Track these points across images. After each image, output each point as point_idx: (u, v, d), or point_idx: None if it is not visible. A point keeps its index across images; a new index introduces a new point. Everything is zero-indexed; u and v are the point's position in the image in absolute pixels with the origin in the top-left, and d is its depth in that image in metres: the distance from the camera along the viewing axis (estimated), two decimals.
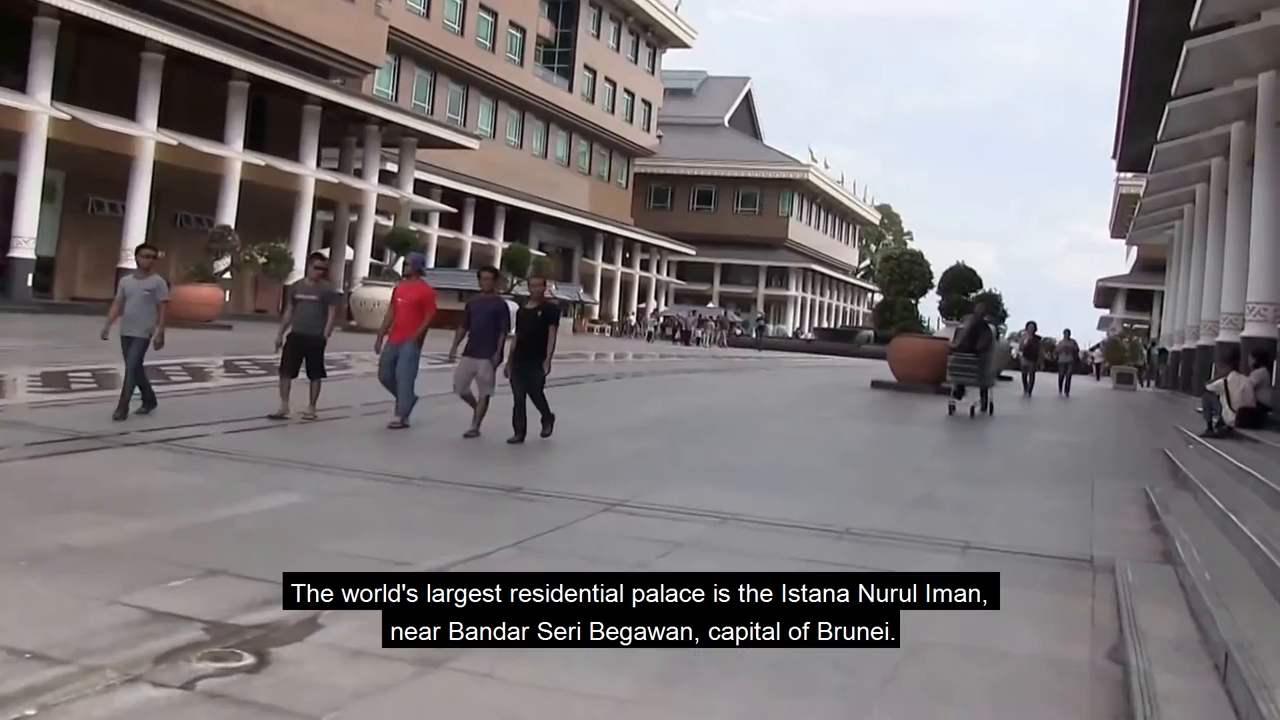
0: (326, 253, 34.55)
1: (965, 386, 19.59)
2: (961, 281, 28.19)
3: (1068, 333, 32.03)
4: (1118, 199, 73.59)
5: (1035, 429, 18.75)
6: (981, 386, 19.45)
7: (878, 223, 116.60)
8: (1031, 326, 29.20)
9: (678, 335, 62.62)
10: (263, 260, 31.31)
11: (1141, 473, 13.57)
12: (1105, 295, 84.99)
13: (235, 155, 34.92)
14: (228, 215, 34.94)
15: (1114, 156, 36.55)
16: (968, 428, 18.07)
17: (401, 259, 42.65)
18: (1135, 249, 74.87)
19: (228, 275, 33.67)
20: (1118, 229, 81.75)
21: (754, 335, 65.65)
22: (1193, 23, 15.68)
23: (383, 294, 36.23)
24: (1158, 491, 11.59)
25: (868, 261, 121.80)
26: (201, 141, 33.15)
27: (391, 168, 45.09)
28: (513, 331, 12.77)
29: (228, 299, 35.51)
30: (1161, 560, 8.64)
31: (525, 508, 9.07)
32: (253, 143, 36.87)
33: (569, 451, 12.18)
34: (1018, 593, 7.35)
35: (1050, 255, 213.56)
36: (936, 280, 27.51)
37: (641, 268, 78.07)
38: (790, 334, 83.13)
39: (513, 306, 13.31)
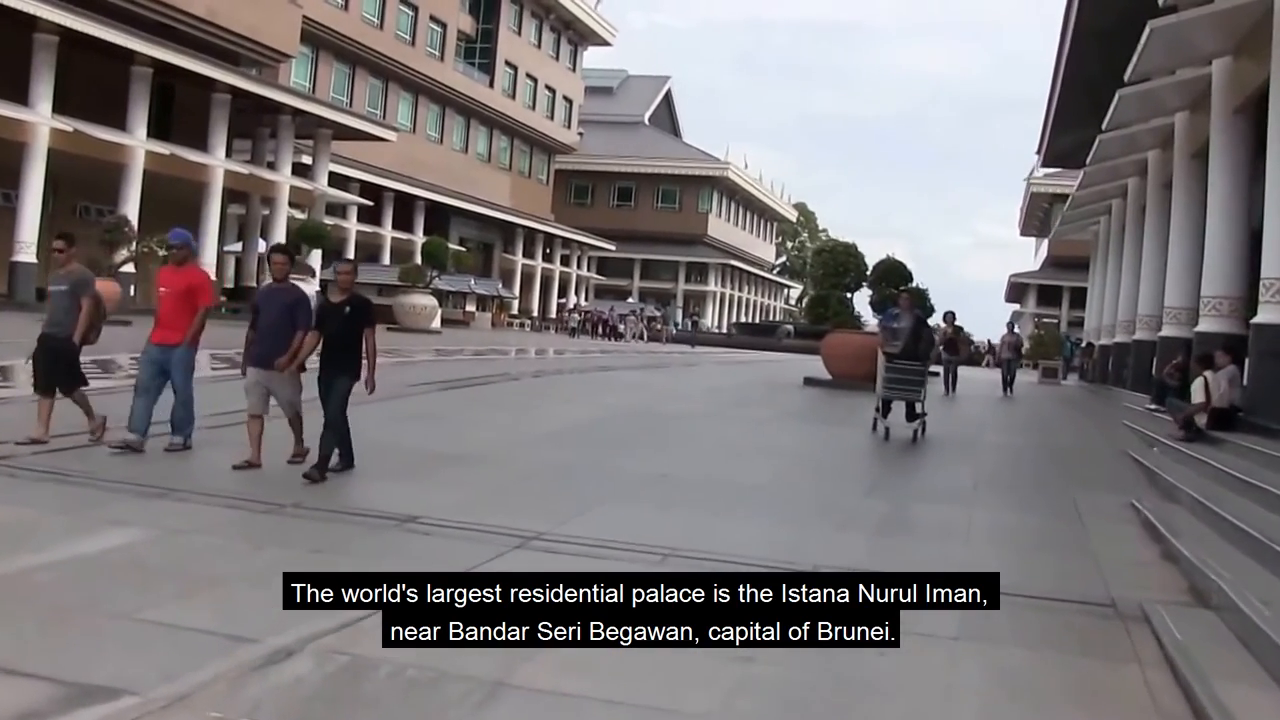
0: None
1: (909, 403, 14.30)
2: (892, 275, 26.47)
3: (1012, 326, 29.73)
4: (1028, 198, 73.24)
5: (985, 431, 16.94)
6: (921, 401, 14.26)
7: (794, 220, 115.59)
8: (950, 317, 26.94)
9: (601, 331, 59.99)
10: (162, 253, 28.66)
11: (1116, 481, 11.93)
12: (1016, 290, 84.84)
13: (137, 144, 32.27)
14: (130, 206, 32.36)
15: (1038, 152, 35.24)
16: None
17: (314, 252, 40.49)
18: (1045, 246, 74.57)
19: (130, 268, 31.17)
20: (1027, 227, 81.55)
21: (675, 329, 63.84)
22: None
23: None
24: (1149, 506, 9.91)
25: (784, 258, 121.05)
26: (100, 128, 30.45)
27: (308, 160, 42.63)
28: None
29: (132, 293, 32.95)
30: (1194, 601, 6.94)
31: (419, 546, 7.08)
32: (159, 131, 34.30)
33: (478, 467, 10.04)
34: (1049, 659, 5.59)
35: (958, 253, 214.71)
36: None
37: (562, 263, 76.04)
38: (724, 329, 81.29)
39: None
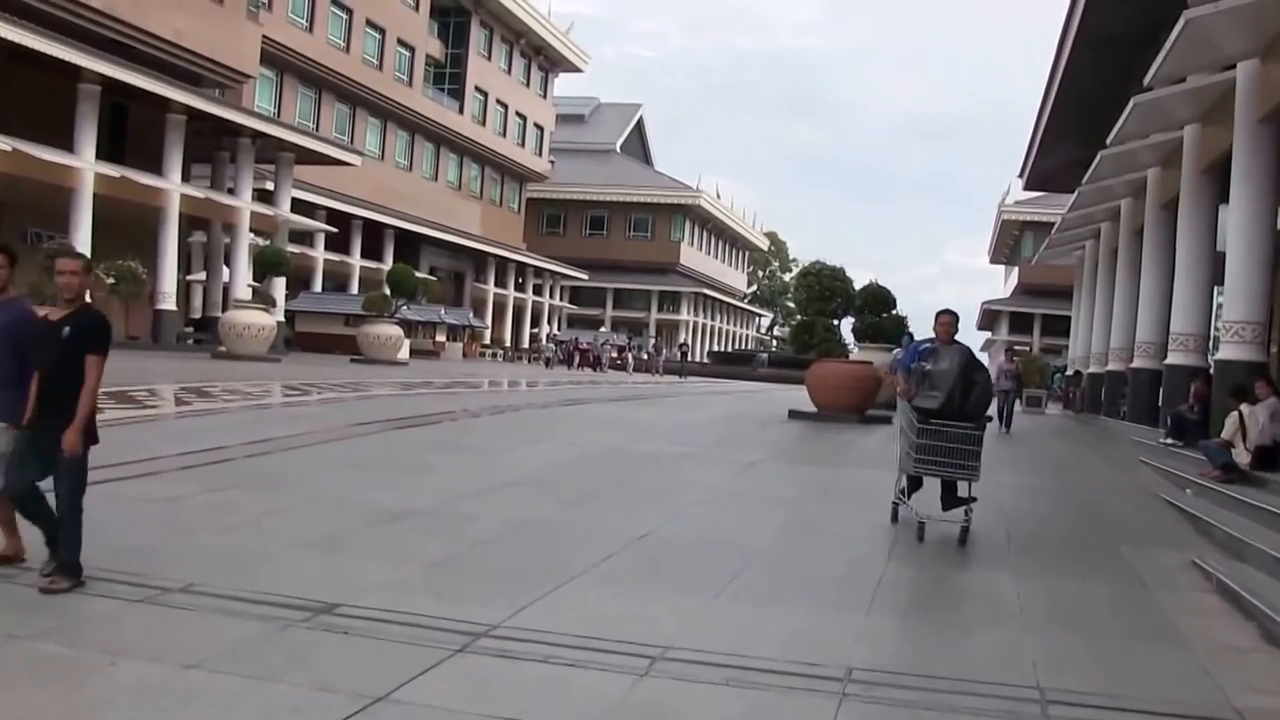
0: None
1: (948, 483, 9.32)
2: (876, 301, 24.92)
3: (1010, 352, 27.02)
4: (999, 226, 72.25)
5: (993, 471, 15.13)
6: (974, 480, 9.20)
7: (765, 249, 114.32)
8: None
9: (580, 361, 57.32)
10: (110, 280, 26.71)
11: (1162, 532, 10.32)
12: (988, 317, 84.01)
13: (86, 165, 30.31)
14: (81, 231, 30.44)
15: (1021, 175, 33.90)
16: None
17: (277, 280, 38.56)
18: (1017, 273, 73.65)
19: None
20: (997, 254, 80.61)
21: (645, 359, 62.06)
22: None
23: (256, 318, 32.08)
24: (1218, 568, 8.27)
25: (755, 286, 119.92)
26: (43, 149, 28.46)
27: (272, 187, 40.78)
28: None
29: None
30: None
31: (331, 650, 5.29)
32: (111, 154, 32.40)
33: (423, 529, 8.19)
34: None
35: (924, 282, 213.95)
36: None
37: (534, 292, 74.37)
38: (701, 359, 79.54)
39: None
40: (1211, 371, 16.62)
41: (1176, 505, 11.87)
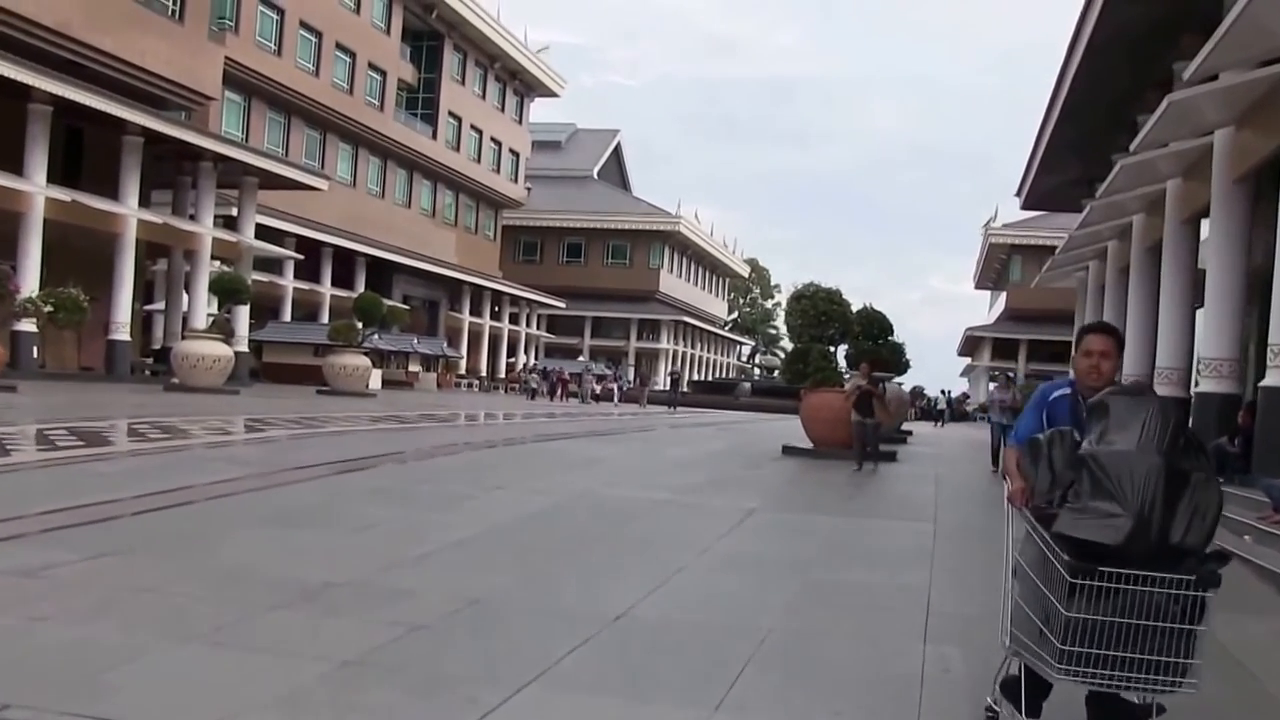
0: None
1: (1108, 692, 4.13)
2: (872, 326, 23.43)
3: (1007, 382, 24.26)
4: (986, 249, 71.03)
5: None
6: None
7: (747, 276, 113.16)
8: (866, 369, 19.85)
9: (562, 392, 55.33)
10: (49, 308, 24.90)
11: (1231, 590, 8.64)
12: (970, 344, 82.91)
13: (36, 190, 28.66)
14: (31, 258, 28.83)
15: (1018, 193, 32.53)
16: (945, 521, 13.08)
17: (240, 309, 36.91)
18: (1004, 298, 72.46)
19: (28, 326, 27.60)
20: (984, 279, 79.40)
21: (629, 389, 60.37)
22: None
23: (211, 349, 30.34)
24: None
25: (736, 314, 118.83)
26: None
27: (235, 213, 39.16)
28: None
29: (35, 354, 29.39)
30: None
31: None
32: (66, 178, 30.84)
33: (344, 608, 6.35)
34: None
35: (907, 308, 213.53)
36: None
37: (511, 321, 72.76)
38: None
39: None
40: (1253, 400, 15.12)
41: (1234, 553, 10.31)
